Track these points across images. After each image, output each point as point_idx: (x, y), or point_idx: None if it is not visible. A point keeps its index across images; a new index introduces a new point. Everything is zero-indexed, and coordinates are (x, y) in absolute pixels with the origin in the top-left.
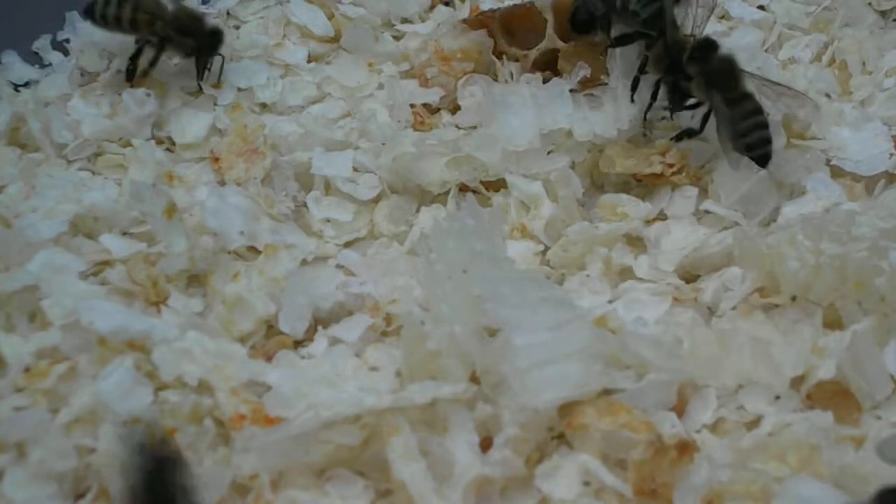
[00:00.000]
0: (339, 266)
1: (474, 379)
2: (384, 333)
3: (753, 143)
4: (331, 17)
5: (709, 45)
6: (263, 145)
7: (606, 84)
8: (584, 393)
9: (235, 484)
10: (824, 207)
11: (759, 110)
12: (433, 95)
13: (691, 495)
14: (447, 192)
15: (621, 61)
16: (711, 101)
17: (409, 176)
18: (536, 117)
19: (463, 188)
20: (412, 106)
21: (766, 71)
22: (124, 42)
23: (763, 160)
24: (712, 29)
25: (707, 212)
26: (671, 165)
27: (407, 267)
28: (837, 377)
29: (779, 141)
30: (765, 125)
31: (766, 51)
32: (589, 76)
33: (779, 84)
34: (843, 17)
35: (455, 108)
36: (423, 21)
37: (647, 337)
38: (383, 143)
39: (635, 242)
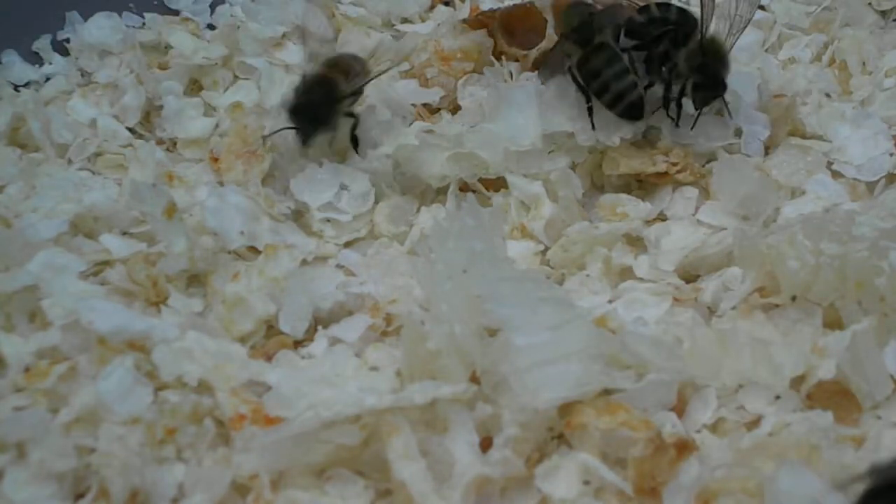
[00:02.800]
0: (339, 266)
1: (474, 379)
2: (384, 333)
3: (612, 98)
4: (331, 16)
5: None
6: (263, 146)
7: None
8: (584, 393)
9: (235, 484)
10: (824, 207)
11: (613, 59)
12: (433, 95)
13: (682, 493)
14: (447, 191)
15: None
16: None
17: (409, 168)
18: (540, 117)
19: (463, 188)
20: (412, 106)
21: (766, 71)
22: (124, 42)
23: (630, 112)
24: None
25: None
26: (675, 164)
27: (407, 267)
28: (837, 377)
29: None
30: (620, 74)
31: (766, 51)
32: None
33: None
34: (843, 17)
35: (455, 109)
36: (423, 21)
37: (647, 337)
38: (382, 142)
39: (635, 242)
